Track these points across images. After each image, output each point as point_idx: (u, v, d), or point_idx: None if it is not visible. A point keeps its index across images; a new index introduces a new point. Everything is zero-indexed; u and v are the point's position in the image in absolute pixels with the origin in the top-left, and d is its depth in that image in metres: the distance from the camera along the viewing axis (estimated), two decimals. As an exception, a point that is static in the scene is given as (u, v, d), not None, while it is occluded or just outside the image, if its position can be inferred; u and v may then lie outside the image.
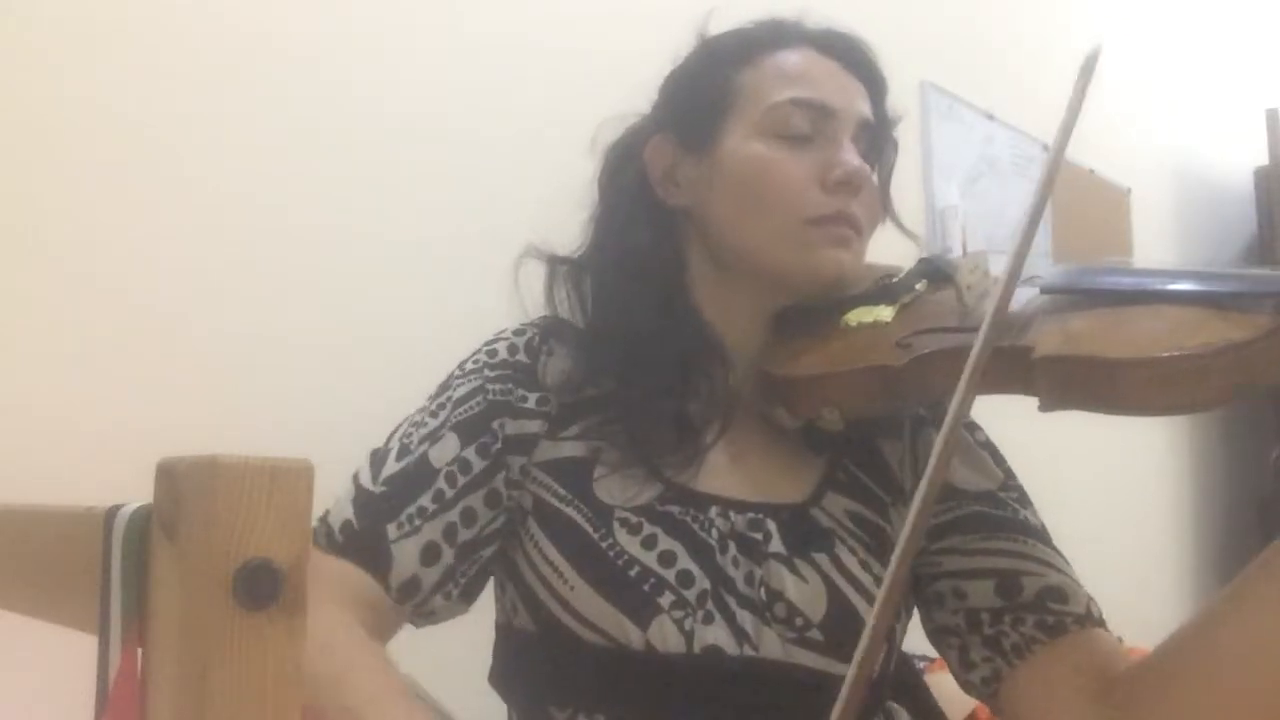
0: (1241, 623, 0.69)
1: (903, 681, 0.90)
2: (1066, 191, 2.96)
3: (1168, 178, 3.52)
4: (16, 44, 1.25)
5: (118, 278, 1.30)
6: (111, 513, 0.49)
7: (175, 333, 1.34)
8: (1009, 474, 0.92)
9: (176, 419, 1.30)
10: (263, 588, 0.42)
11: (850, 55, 0.94)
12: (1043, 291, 0.80)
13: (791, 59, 0.91)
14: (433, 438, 0.86)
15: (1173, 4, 3.59)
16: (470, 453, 0.86)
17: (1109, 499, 2.95)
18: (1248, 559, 0.70)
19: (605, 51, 1.72)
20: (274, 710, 0.42)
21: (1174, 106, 3.56)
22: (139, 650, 0.47)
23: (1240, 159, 3.58)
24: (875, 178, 0.93)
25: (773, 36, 0.93)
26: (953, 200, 2.58)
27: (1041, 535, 0.87)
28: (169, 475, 0.44)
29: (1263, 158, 3.50)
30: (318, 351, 1.44)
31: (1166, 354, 0.69)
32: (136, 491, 0.50)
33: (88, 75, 1.30)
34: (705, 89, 0.93)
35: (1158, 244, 3.36)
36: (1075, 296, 0.78)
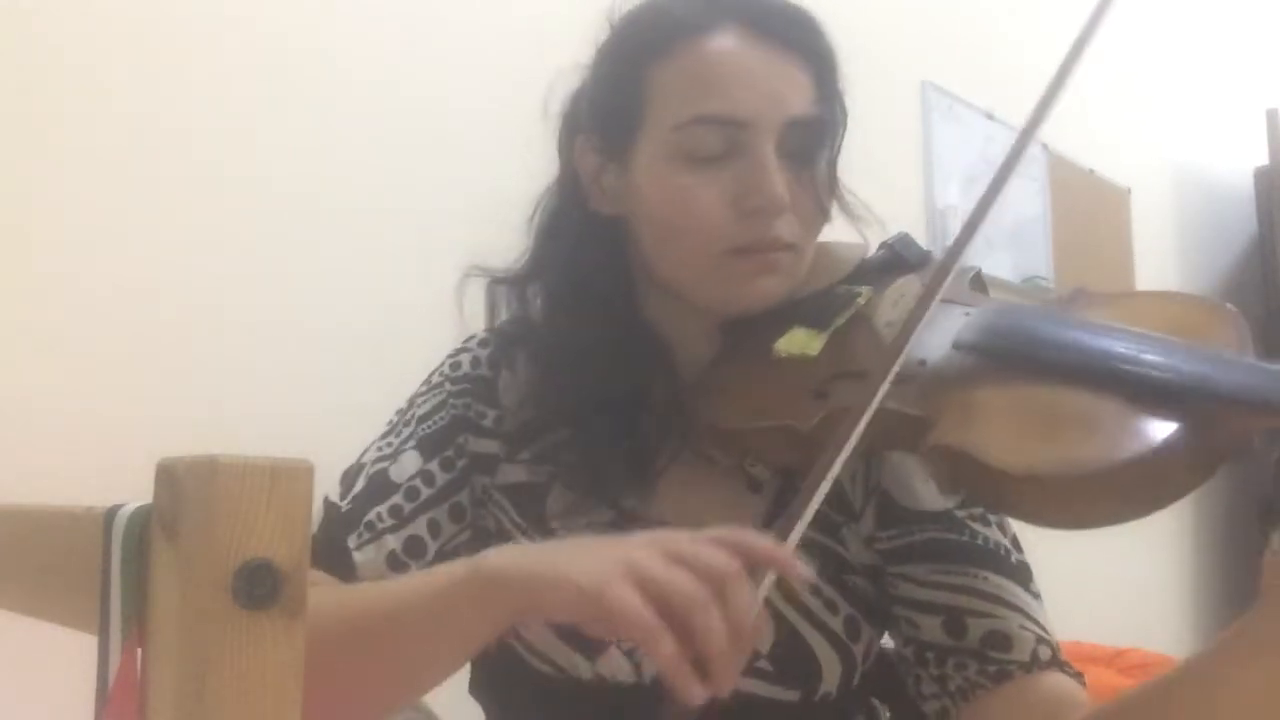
0: (1197, 700, 0.65)
1: (886, 681, 0.89)
2: (1067, 192, 2.96)
3: (1168, 178, 3.52)
4: (18, 41, 1.25)
5: (118, 278, 1.30)
6: (111, 513, 0.49)
7: (175, 333, 1.34)
8: None
9: (176, 419, 1.30)
10: (263, 588, 0.42)
11: (786, 31, 0.82)
12: (955, 348, 0.73)
13: (709, 52, 0.80)
14: (395, 455, 0.86)
15: (1173, 4, 3.59)
16: (434, 466, 0.86)
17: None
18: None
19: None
20: (274, 710, 0.42)
21: (1174, 106, 3.56)
22: (139, 650, 0.47)
23: (1240, 159, 3.58)
24: (816, 172, 0.84)
25: (693, 16, 0.82)
26: (952, 200, 2.58)
27: (997, 561, 0.82)
28: (169, 475, 0.44)
29: (1263, 158, 3.50)
30: (318, 351, 1.44)
31: (1052, 471, 0.61)
32: (136, 491, 0.50)
33: (88, 76, 1.30)
34: (618, 89, 0.84)
35: (1158, 244, 3.35)
36: (989, 355, 0.71)
